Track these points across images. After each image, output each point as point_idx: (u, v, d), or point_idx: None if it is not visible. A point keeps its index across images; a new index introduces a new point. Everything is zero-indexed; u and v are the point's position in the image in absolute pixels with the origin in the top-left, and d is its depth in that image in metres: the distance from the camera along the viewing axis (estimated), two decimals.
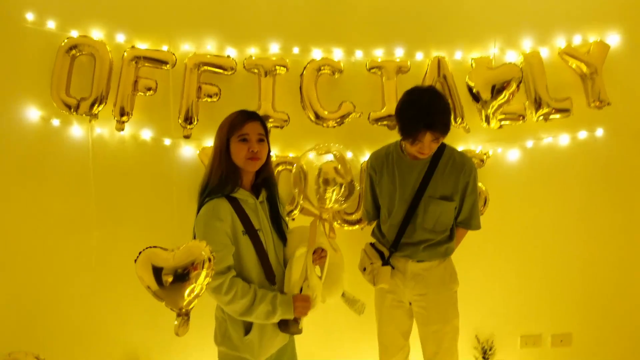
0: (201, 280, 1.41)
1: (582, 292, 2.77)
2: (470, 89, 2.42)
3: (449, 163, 2.06)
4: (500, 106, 2.40)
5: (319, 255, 1.80)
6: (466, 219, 2.15)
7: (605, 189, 2.70)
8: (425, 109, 1.87)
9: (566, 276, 2.75)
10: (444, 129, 1.90)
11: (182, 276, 1.35)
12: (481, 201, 2.49)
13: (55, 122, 2.43)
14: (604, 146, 2.65)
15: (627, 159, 2.69)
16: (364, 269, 2.17)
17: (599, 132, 2.63)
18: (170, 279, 1.35)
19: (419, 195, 2.05)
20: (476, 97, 2.42)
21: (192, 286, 1.40)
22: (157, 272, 1.34)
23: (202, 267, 1.40)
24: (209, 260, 1.40)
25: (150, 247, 1.37)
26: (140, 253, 1.36)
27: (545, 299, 2.75)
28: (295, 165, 1.94)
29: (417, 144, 1.91)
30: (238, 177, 1.74)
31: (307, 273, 1.76)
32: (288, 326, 1.75)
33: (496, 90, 2.37)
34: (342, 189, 1.82)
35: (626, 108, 2.62)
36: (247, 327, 1.72)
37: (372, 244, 2.22)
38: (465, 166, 2.07)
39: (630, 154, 2.68)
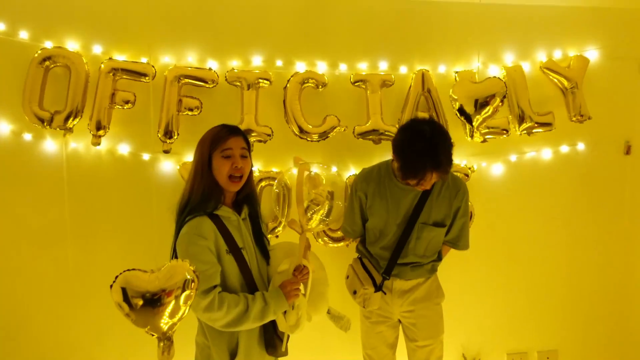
0: (184, 301, 1.33)
1: (568, 308, 2.77)
2: (453, 103, 2.41)
3: (443, 187, 2.03)
4: (484, 120, 2.40)
5: (300, 272, 1.74)
6: (454, 238, 2.13)
7: (588, 204, 2.72)
8: (430, 150, 1.75)
9: (551, 291, 2.74)
10: (449, 168, 1.82)
11: (156, 300, 1.26)
12: None
13: (27, 136, 2.33)
14: (586, 160, 2.68)
15: (609, 173, 2.72)
16: (354, 292, 2.09)
17: (580, 146, 2.66)
18: (140, 302, 1.24)
19: (413, 221, 2.00)
20: (460, 111, 2.41)
21: (173, 307, 1.31)
22: (134, 295, 1.24)
23: (186, 288, 1.32)
24: (192, 280, 1.32)
25: (128, 269, 1.28)
26: (116, 277, 1.25)
27: (531, 315, 2.74)
28: (275, 184, 1.92)
29: (420, 182, 1.82)
30: (220, 194, 1.68)
31: None
32: (275, 348, 1.71)
33: (479, 104, 2.37)
34: (322, 211, 1.79)
35: (606, 122, 2.65)
36: (233, 353, 1.65)
37: (361, 262, 2.15)
38: (460, 191, 2.04)
39: (612, 168, 2.71)
